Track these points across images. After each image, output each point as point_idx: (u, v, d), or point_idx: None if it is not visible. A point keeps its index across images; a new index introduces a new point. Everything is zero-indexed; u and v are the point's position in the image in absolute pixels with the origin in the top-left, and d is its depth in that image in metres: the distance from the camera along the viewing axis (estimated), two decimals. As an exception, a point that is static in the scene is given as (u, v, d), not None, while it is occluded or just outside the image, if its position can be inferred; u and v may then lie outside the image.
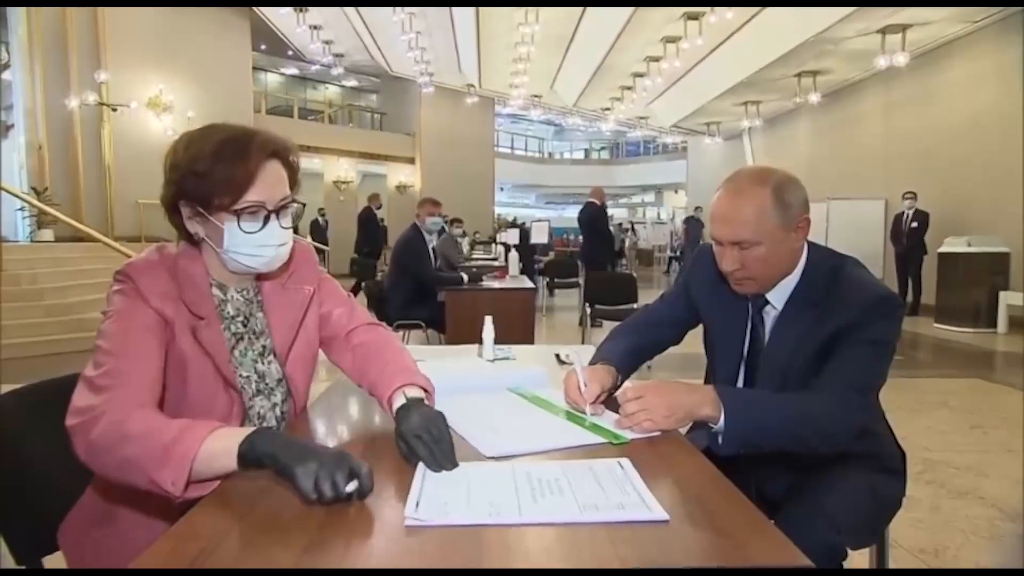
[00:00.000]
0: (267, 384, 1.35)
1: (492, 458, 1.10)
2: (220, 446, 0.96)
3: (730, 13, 9.80)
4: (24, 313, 6.69)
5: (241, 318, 1.33)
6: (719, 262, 1.45)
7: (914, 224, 9.52)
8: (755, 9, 9.95)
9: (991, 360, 6.71)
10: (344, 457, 0.93)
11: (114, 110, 11.47)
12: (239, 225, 1.17)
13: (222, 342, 1.26)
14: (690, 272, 1.69)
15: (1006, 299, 8.08)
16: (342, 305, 1.47)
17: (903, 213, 9.75)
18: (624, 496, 0.93)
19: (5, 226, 8.62)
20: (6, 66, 11.98)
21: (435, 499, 0.92)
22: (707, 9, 9.98)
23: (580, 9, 11.16)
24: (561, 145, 32.90)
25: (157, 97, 12.66)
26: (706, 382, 1.67)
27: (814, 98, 12.44)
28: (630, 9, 10.34)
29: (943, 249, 8.66)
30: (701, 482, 1.04)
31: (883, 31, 9.62)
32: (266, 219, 1.20)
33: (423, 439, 1.04)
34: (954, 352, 7.07)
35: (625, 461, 1.06)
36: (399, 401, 1.19)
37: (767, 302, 1.49)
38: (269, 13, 13.70)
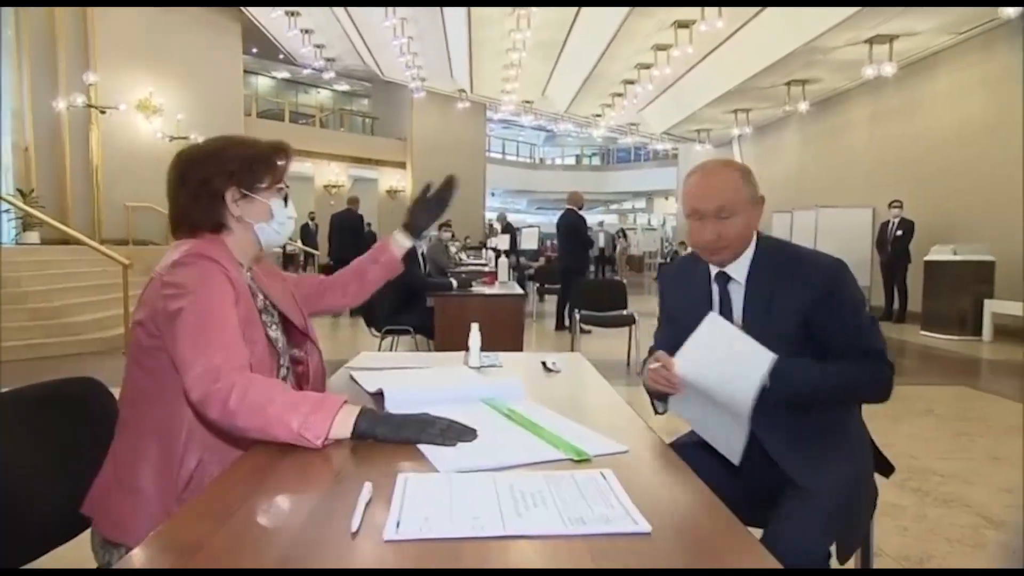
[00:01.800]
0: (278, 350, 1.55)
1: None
2: (339, 420, 1.17)
3: (720, 22, 9.86)
4: (8, 316, 6.59)
5: (258, 296, 1.52)
6: (698, 237, 1.61)
7: (899, 232, 9.61)
8: (745, 18, 10.04)
9: (976, 368, 6.77)
10: (432, 418, 1.22)
11: (103, 112, 11.36)
12: (283, 201, 1.50)
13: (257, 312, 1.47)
14: (663, 295, 1.90)
15: (991, 307, 8.17)
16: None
17: (889, 221, 9.84)
18: (608, 509, 0.92)
19: None
20: None
21: (416, 514, 0.90)
22: (697, 18, 10.05)
23: (572, 16, 11.21)
24: (552, 151, 32.95)
25: (147, 99, 12.57)
26: None
27: (803, 107, 12.55)
28: (621, 16, 10.40)
29: (929, 257, 8.74)
30: (682, 492, 1.04)
31: (871, 41, 9.72)
32: (287, 197, 1.53)
33: (433, 436, 1.18)
34: (940, 360, 7.12)
35: (608, 472, 1.06)
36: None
37: (729, 278, 1.65)
38: (260, 16, 13.66)
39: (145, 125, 12.67)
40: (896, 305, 9.90)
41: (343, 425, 1.17)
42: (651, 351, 1.74)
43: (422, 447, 1.18)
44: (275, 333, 1.53)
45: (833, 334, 1.58)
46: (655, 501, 0.98)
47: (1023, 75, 8.29)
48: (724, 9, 9.51)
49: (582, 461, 1.13)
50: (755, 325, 1.56)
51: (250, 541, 0.86)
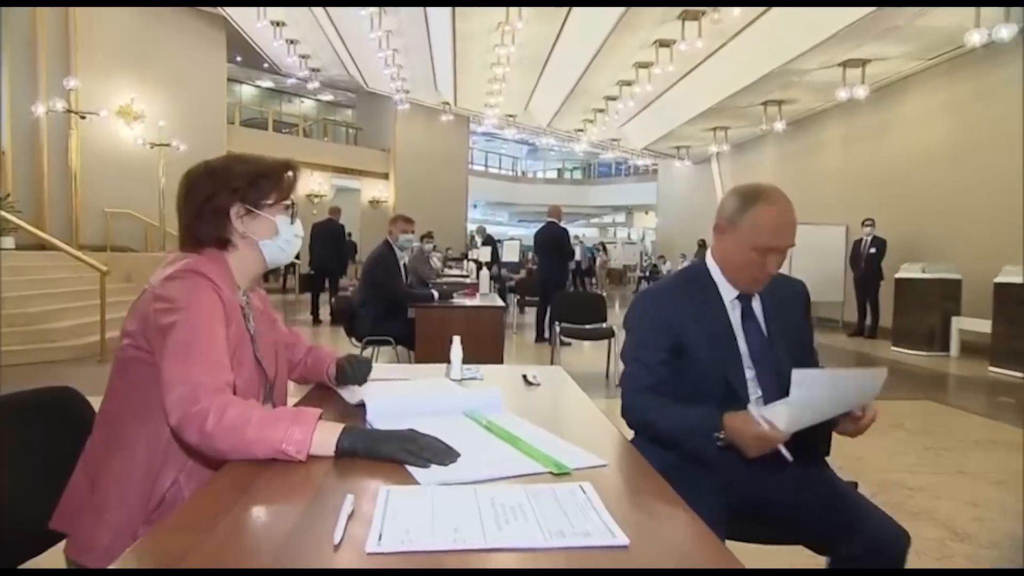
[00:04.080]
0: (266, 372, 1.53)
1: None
2: (319, 439, 1.16)
3: (699, 42, 9.99)
4: (-18, 323, 6.48)
5: (250, 319, 1.51)
6: (761, 272, 1.58)
7: (872, 250, 9.77)
8: (725, 38, 10.17)
9: (944, 383, 6.87)
10: (414, 435, 1.19)
11: (83, 118, 11.15)
12: (288, 218, 1.48)
13: (248, 333, 1.46)
14: (658, 319, 1.67)
15: (958, 324, 8.31)
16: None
17: (862, 239, 9.99)
18: (588, 522, 0.92)
19: None
20: None
21: (398, 526, 0.90)
22: (678, 37, 10.17)
23: (556, 32, 11.29)
24: (535, 164, 33.10)
25: (128, 106, 12.42)
26: (694, 398, 1.62)
27: (779, 126, 12.71)
28: (604, 34, 10.49)
29: (899, 275, 8.88)
30: (660, 507, 1.04)
31: (844, 65, 9.89)
32: (295, 215, 1.51)
33: (413, 454, 1.15)
34: (909, 375, 7.22)
35: (587, 485, 1.06)
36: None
37: (750, 297, 1.67)
38: (246, 26, 13.57)
39: (126, 131, 12.52)
40: (868, 321, 10.04)
41: (325, 444, 1.17)
42: (639, 375, 1.64)
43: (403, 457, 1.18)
44: (261, 355, 1.53)
45: (808, 352, 1.75)
46: (633, 514, 0.98)
47: (1021, 90, 8.43)
48: (704, 29, 9.64)
49: (562, 474, 1.13)
50: (780, 339, 1.67)
51: (231, 554, 0.85)
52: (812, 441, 1.56)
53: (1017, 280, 7.09)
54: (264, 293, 1.67)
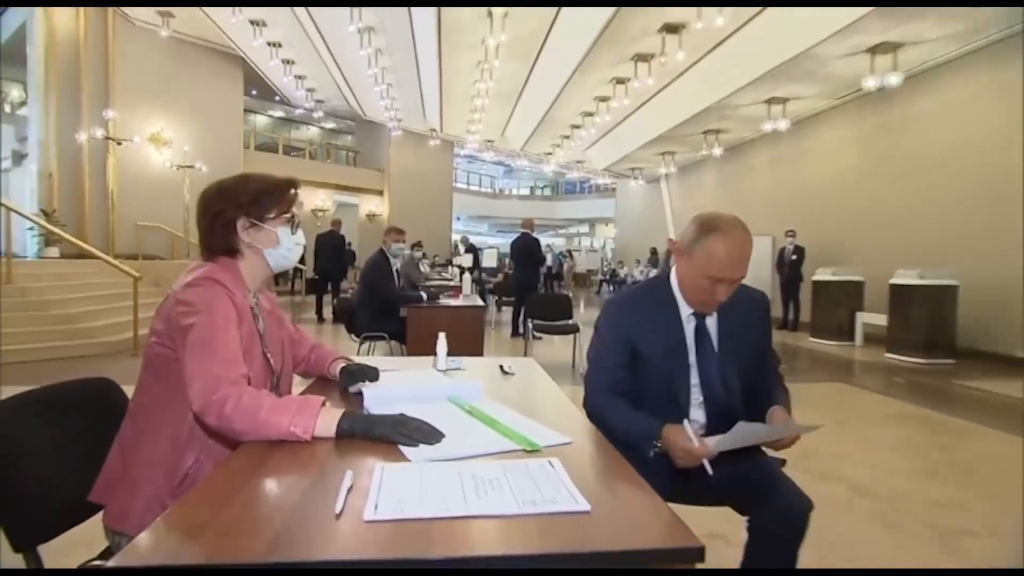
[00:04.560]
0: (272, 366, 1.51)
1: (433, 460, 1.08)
2: (323, 422, 1.17)
3: (651, 80, 10.07)
4: (31, 322, 6.37)
5: (259, 319, 1.49)
6: (711, 298, 1.51)
7: (794, 257, 9.92)
8: (671, 77, 10.26)
9: (851, 367, 7.00)
10: (404, 419, 1.20)
11: (119, 144, 11.26)
12: (289, 229, 1.46)
13: (257, 331, 1.45)
14: (618, 327, 1.64)
15: (861, 318, 8.50)
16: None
17: (785, 247, 10.15)
18: (555, 491, 0.93)
19: (16, 243, 8.31)
20: (23, 103, 11.80)
21: (391, 498, 0.90)
22: (631, 76, 10.25)
23: (528, 70, 11.30)
24: (510, 183, 33.07)
25: (158, 134, 12.52)
26: (642, 399, 1.61)
27: (717, 152, 12.84)
28: (569, 70, 10.51)
29: (815, 277, 9.05)
30: (617, 478, 1.05)
31: (769, 102, 10.04)
32: (297, 226, 1.49)
33: (403, 435, 1.15)
34: (823, 361, 7.34)
35: (555, 460, 1.06)
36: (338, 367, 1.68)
37: (705, 315, 1.61)
38: (260, 63, 13.47)
39: (156, 155, 12.57)
40: (791, 316, 10.20)
41: (328, 427, 1.17)
42: (599, 376, 1.63)
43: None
44: (269, 351, 1.51)
45: (767, 356, 1.71)
46: (594, 484, 0.99)
47: None
48: (653, 68, 9.71)
49: (533, 451, 1.14)
50: (732, 357, 1.61)
51: (247, 523, 0.84)
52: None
53: (907, 281, 7.30)
54: (272, 295, 1.64)
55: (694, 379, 1.61)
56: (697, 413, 1.63)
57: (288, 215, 1.46)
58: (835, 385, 5.85)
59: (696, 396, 1.62)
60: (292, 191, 1.48)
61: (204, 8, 10.84)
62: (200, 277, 1.31)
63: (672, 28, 8.54)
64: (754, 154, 12.80)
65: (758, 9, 7.79)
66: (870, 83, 8.06)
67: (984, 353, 7.18)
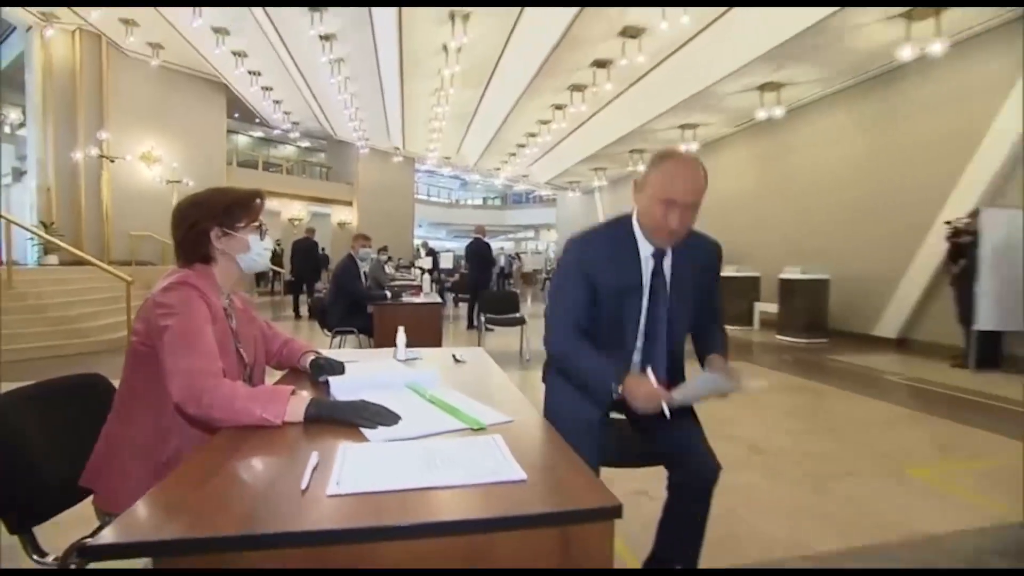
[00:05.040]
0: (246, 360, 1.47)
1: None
2: (292, 408, 1.15)
3: (584, 106, 10.20)
4: (30, 324, 6.04)
5: (232, 318, 1.44)
6: (664, 222, 1.37)
7: (704, 256, 10.24)
8: (602, 104, 10.38)
9: (751, 348, 7.28)
10: (365, 404, 1.18)
11: (112, 161, 10.83)
12: (258, 236, 1.42)
13: (230, 329, 1.40)
14: (579, 264, 1.47)
15: (758, 308, 8.87)
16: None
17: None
18: (497, 463, 0.94)
19: (17, 252, 7.95)
20: (22, 125, 11.29)
21: (352, 473, 0.89)
22: (569, 102, 10.35)
23: (479, 96, 11.26)
24: (465, 194, 32.86)
25: (149, 152, 12.09)
26: (605, 343, 1.46)
27: (641, 168, 13.04)
28: (515, 97, 10.51)
29: (724, 274, 9.35)
30: (551, 450, 1.06)
31: (682, 127, 10.34)
32: (265, 233, 1.45)
33: (364, 418, 1.14)
34: (730, 344, 7.61)
35: (497, 437, 1.07)
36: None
37: (663, 254, 1.46)
38: (241, 89, 13.04)
39: (147, 171, 12.07)
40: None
41: (296, 413, 1.16)
42: (560, 315, 1.47)
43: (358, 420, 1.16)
44: (242, 346, 1.46)
45: (712, 299, 1.58)
46: (531, 456, 1.00)
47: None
48: (586, 95, 9.83)
49: (479, 429, 1.14)
50: (682, 297, 1.49)
51: (222, 501, 0.82)
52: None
53: (792, 276, 7.69)
54: (245, 295, 1.58)
55: (642, 320, 1.48)
56: (636, 355, 1.52)
57: (256, 223, 1.42)
58: (737, 363, 6.03)
59: (640, 337, 1.49)
60: (258, 201, 1.44)
61: (191, 41, 10.39)
62: (176, 282, 1.27)
63: (601, 63, 8.67)
64: (670, 170, 13.11)
65: (672, 50, 7.99)
66: (761, 114, 8.44)
67: (850, 333, 7.62)
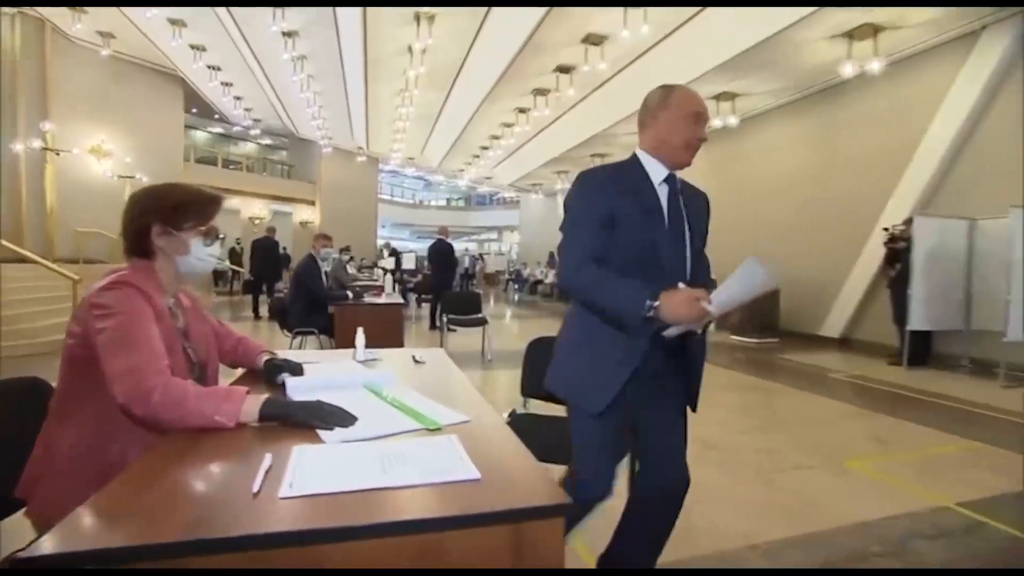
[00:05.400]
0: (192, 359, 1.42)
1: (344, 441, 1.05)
2: (246, 409, 1.12)
3: (547, 110, 10.28)
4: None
5: (179, 317, 1.40)
6: (695, 135, 1.42)
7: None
8: (564, 108, 10.48)
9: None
10: (321, 405, 1.16)
11: (57, 154, 10.21)
12: (202, 241, 1.34)
13: (175, 328, 1.35)
14: (596, 193, 1.41)
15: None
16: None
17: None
18: (452, 463, 0.93)
19: None
20: None
21: (306, 475, 0.88)
22: (532, 106, 10.41)
23: (444, 97, 11.21)
24: (429, 195, 32.57)
25: (99, 146, 11.44)
26: (624, 266, 1.38)
27: (601, 173, 13.26)
28: (478, 101, 10.53)
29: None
30: (505, 449, 1.06)
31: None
32: (215, 240, 1.38)
33: (319, 419, 1.12)
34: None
35: (453, 437, 1.07)
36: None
37: (674, 180, 1.47)
38: (199, 84, 12.56)
39: (97, 166, 11.43)
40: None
41: (250, 414, 1.13)
42: (576, 249, 1.38)
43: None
44: (191, 345, 1.42)
45: (704, 245, 1.57)
46: (486, 456, 1.00)
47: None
48: (550, 99, 9.91)
49: (435, 429, 1.13)
50: (696, 230, 1.49)
51: (169, 505, 0.79)
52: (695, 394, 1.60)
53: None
54: (194, 294, 1.53)
55: (667, 244, 1.43)
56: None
57: (204, 228, 1.35)
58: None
59: (669, 260, 1.43)
60: (213, 207, 1.38)
61: (145, 32, 9.92)
62: (114, 281, 1.22)
63: (564, 69, 8.77)
64: (630, 175, 13.34)
65: (632, 58, 8.16)
66: (716, 123, 8.68)
67: (799, 333, 7.95)
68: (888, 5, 5.65)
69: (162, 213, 1.31)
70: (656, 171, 1.46)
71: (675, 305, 1.24)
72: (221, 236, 1.41)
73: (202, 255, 1.36)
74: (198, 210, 1.35)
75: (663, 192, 1.46)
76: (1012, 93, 5.78)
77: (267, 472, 0.88)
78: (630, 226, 1.38)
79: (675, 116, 1.43)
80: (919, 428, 3.71)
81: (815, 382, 5.18)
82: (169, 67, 12.07)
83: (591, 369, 1.43)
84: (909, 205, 6.52)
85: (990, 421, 3.91)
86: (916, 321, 5.75)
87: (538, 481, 0.91)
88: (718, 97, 8.40)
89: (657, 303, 1.25)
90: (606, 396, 1.39)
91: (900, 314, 5.92)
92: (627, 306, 1.30)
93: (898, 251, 6.01)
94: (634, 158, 1.50)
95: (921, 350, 5.94)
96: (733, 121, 8.51)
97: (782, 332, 7.87)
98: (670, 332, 1.33)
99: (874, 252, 6.89)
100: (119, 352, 1.12)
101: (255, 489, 0.82)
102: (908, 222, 5.99)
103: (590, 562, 1.90)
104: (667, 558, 1.93)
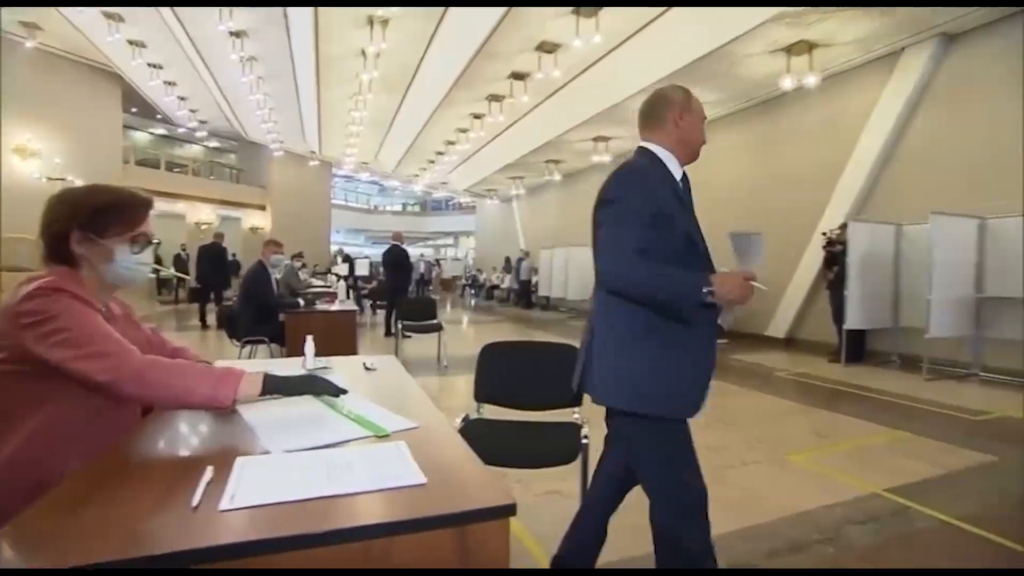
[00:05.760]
0: None
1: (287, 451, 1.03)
2: (245, 386, 1.17)
3: (501, 116, 10.36)
4: None
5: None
6: (704, 136, 1.54)
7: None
8: (519, 115, 10.59)
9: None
10: (313, 376, 1.28)
11: None
12: (129, 248, 1.24)
13: None
14: (644, 185, 1.41)
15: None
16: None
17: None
18: (399, 469, 0.94)
19: None
20: None
21: (249, 487, 0.86)
22: (487, 112, 10.47)
23: (399, 101, 11.12)
24: (384, 200, 32.09)
25: (24, 145, 10.67)
26: (674, 260, 1.39)
27: (557, 177, 13.45)
28: (434, 106, 10.50)
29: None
30: (453, 454, 1.07)
31: (595, 139, 10.76)
32: (145, 246, 1.27)
33: (316, 390, 1.27)
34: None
35: (401, 443, 1.07)
36: None
37: (685, 177, 1.55)
38: (140, 83, 11.98)
39: (21, 166, 10.67)
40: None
41: (253, 386, 1.18)
42: (625, 242, 1.35)
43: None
44: None
45: None
46: (434, 460, 1.00)
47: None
48: (504, 105, 9.98)
49: (383, 436, 1.13)
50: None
51: (102, 523, 0.77)
52: None
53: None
54: (124, 301, 1.43)
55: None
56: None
57: (132, 233, 1.25)
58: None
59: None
60: (142, 209, 1.28)
61: (77, 25, 9.38)
62: (39, 288, 1.12)
63: (518, 76, 8.86)
64: (586, 180, 13.42)
65: (585, 66, 8.34)
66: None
67: (749, 334, 8.28)
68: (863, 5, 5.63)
69: (81, 219, 1.21)
70: (674, 167, 1.51)
71: (730, 287, 1.27)
72: (156, 241, 1.31)
73: (130, 264, 1.25)
74: (123, 214, 1.25)
75: (683, 188, 1.53)
76: (930, 108, 6.25)
77: (208, 485, 0.87)
78: (674, 219, 1.41)
79: (697, 119, 1.52)
80: (853, 421, 3.94)
81: (761, 380, 5.41)
82: (105, 63, 11.46)
83: (670, 372, 1.38)
84: (844, 211, 6.93)
85: (914, 412, 4.19)
86: (852, 320, 6.10)
87: (484, 484, 0.92)
88: (667, 106, 8.68)
89: (712, 287, 1.28)
90: (698, 395, 1.40)
91: (838, 314, 6.27)
92: (687, 292, 1.30)
93: (835, 255, 6.37)
94: (651, 154, 1.51)
95: (857, 347, 6.30)
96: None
97: (733, 333, 8.18)
98: (727, 320, 1.41)
99: (814, 256, 7.27)
100: (82, 344, 1.05)
101: (194, 503, 0.81)
102: (843, 227, 6.36)
103: (544, 561, 1.93)
104: (620, 556, 1.99)
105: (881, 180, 6.74)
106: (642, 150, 1.53)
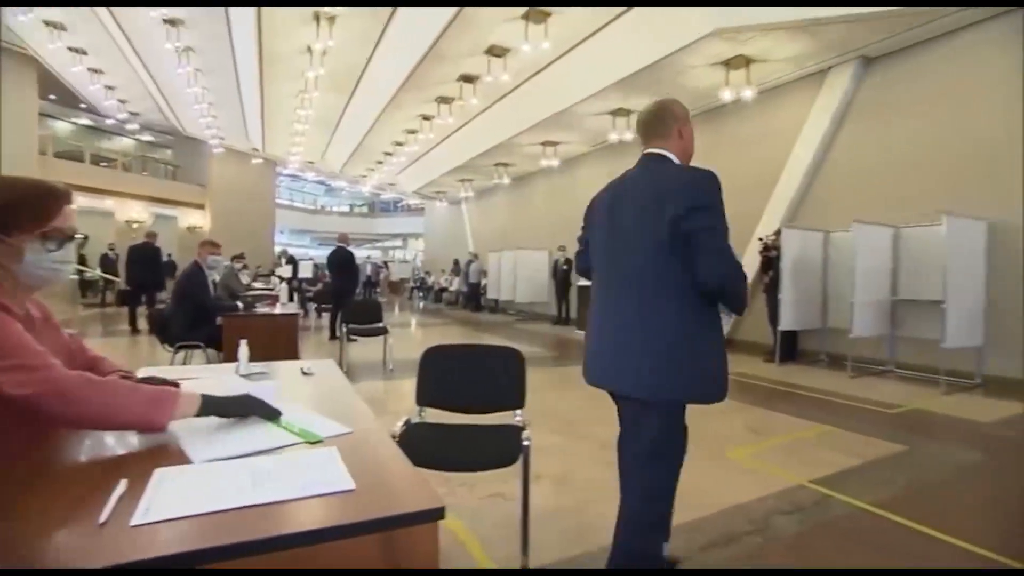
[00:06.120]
0: None
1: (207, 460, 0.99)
2: (183, 406, 1.10)
3: (451, 118, 10.32)
4: None
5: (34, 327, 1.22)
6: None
7: (564, 267, 10.84)
8: (468, 117, 10.59)
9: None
10: (251, 396, 1.21)
11: None
12: (43, 245, 1.13)
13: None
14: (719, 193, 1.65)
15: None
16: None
17: (557, 259, 11.07)
18: (328, 475, 0.93)
19: None
20: None
21: (166, 499, 0.83)
22: (435, 114, 10.41)
23: (346, 100, 10.88)
24: (331, 200, 31.29)
25: None
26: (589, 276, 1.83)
27: (506, 181, 13.53)
28: (382, 106, 10.34)
29: (579, 283, 10.00)
30: (386, 459, 1.06)
31: (544, 143, 10.90)
32: (63, 243, 1.16)
33: (251, 410, 1.20)
34: (581, 349, 8.13)
35: (333, 449, 1.05)
36: None
37: None
38: (59, 68, 11.12)
39: None
40: (563, 313, 11.15)
41: (190, 406, 1.12)
42: (727, 243, 1.64)
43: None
44: None
45: None
46: (365, 465, 0.99)
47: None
48: (453, 107, 9.96)
49: (316, 442, 1.11)
50: None
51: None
52: None
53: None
54: (44, 304, 1.32)
55: None
56: None
57: (44, 230, 1.13)
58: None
59: None
60: (54, 204, 1.16)
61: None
62: None
63: (468, 78, 8.86)
64: (535, 184, 13.62)
65: (534, 71, 8.44)
66: (613, 136, 9.22)
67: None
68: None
69: None
70: None
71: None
72: (79, 236, 1.21)
73: (44, 263, 1.13)
74: (32, 209, 1.13)
75: None
76: (852, 124, 6.71)
77: (120, 499, 0.82)
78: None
79: (692, 130, 1.75)
80: (785, 417, 4.16)
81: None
82: (18, 45, 10.59)
83: (713, 362, 1.66)
84: (779, 218, 7.31)
85: (839, 407, 4.47)
86: (786, 322, 6.44)
87: (413, 488, 0.92)
88: (615, 112, 8.89)
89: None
90: (726, 381, 1.66)
91: (773, 316, 6.61)
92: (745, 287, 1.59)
93: (771, 259, 6.71)
94: (670, 159, 1.73)
95: (790, 347, 6.66)
96: (629, 136, 9.05)
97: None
98: (726, 326, 1.74)
99: (752, 261, 7.62)
100: (3, 358, 0.96)
101: (103, 518, 0.76)
102: (778, 233, 6.71)
103: (486, 563, 1.93)
104: (564, 555, 2.02)
105: (811, 189, 7.17)
106: (662, 156, 1.73)
